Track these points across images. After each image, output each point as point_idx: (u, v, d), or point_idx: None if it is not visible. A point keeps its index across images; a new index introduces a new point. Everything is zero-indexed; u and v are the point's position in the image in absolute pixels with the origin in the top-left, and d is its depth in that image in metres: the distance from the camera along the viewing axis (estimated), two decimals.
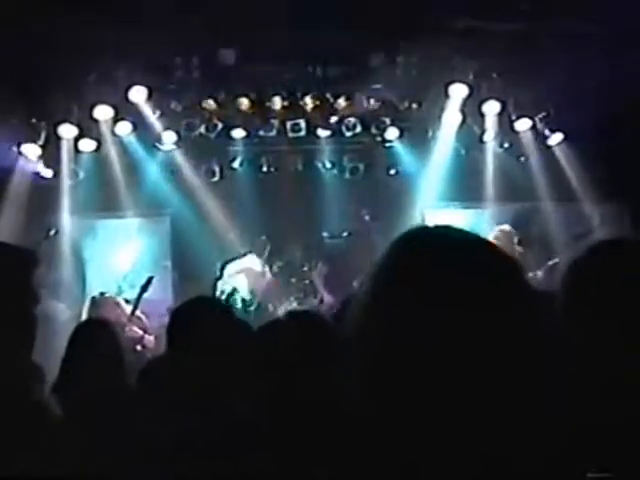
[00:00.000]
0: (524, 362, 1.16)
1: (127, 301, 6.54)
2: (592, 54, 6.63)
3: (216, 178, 8.08)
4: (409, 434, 1.12)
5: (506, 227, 7.28)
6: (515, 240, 7.19)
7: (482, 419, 1.12)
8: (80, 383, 2.87)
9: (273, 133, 8.00)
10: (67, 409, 2.69)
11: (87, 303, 6.29)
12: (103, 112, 7.33)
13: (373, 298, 1.22)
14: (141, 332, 6.18)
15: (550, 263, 7.07)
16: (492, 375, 1.13)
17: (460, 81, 7.60)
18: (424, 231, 1.31)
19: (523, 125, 7.90)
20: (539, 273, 6.99)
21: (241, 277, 7.44)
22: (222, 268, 7.57)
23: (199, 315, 2.65)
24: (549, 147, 7.96)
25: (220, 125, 7.87)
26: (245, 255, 7.69)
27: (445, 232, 1.30)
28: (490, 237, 6.99)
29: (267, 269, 7.71)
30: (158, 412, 2.68)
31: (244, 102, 7.67)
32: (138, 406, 2.86)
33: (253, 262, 7.62)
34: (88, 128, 7.44)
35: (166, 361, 2.76)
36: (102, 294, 6.26)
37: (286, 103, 7.78)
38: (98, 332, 3.12)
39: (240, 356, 2.30)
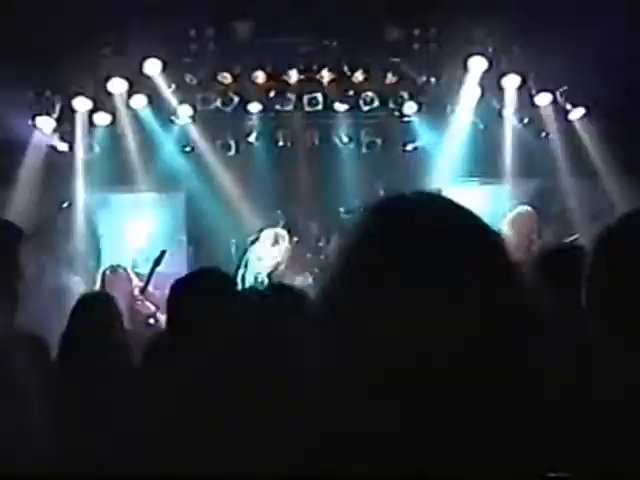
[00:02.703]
0: (504, 343, 1.11)
1: (138, 275, 6.54)
2: (615, 26, 6.46)
3: (232, 152, 8.03)
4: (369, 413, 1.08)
5: (526, 209, 6.65)
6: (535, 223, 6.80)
7: (456, 407, 1.08)
8: (78, 357, 2.87)
9: (290, 107, 7.92)
10: (66, 382, 2.69)
11: (99, 276, 6.27)
12: (118, 85, 7.30)
13: (343, 272, 1.17)
14: (154, 307, 6.17)
15: (570, 239, 6.91)
16: (465, 357, 1.09)
17: (479, 54, 7.45)
18: (399, 200, 1.25)
19: (543, 99, 7.72)
20: None
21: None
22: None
23: (193, 289, 2.62)
24: (570, 122, 7.80)
25: (236, 99, 7.81)
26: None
27: (422, 201, 1.24)
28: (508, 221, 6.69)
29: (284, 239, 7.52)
30: (159, 389, 2.67)
31: (260, 75, 7.60)
32: (139, 382, 2.86)
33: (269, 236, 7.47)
34: (103, 101, 7.42)
35: (164, 337, 2.75)
36: (113, 267, 6.23)
37: (303, 77, 7.70)
38: (97, 306, 3.11)
39: (233, 329, 2.27)
